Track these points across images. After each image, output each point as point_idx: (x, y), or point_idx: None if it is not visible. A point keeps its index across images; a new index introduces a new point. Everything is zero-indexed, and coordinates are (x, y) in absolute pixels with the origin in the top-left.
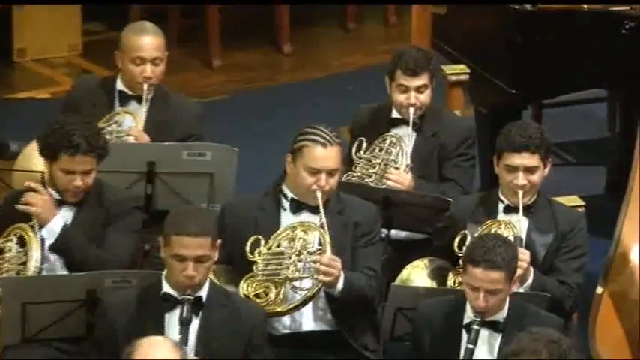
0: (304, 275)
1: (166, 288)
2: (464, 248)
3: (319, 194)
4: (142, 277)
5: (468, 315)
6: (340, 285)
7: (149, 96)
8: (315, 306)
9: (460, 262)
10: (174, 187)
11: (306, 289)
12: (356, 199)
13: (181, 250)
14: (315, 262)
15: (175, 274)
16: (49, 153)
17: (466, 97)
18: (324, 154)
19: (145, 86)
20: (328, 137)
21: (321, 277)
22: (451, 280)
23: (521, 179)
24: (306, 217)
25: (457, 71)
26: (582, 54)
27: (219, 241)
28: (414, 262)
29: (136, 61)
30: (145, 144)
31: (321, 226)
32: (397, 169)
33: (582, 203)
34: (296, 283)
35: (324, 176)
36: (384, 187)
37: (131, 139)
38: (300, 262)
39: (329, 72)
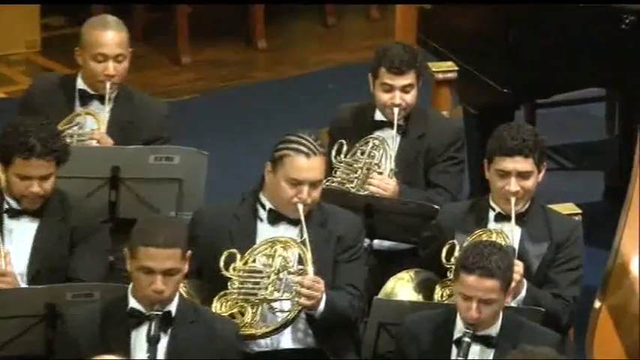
0: (283, 297)
1: (133, 303)
2: (452, 259)
3: (300, 207)
4: (105, 290)
5: (459, 329)
6: (321, 307)
7: (112, 95)
8: (294, 325)
9: (448, 273)
10: (140, 193)
11: (286, 311)
12: (339, 209)
13: (149, 263)
14: (296, 283)
15: (143, 288)
16: (3, 157)
17: (454, 96)
18: (307, 165)
19: (108, 85)
20: (312, 146)
21: (303, 300)
22: (438, 293)
23: (513, 185)
24: (284, 228)
25: (444, 69)
26: (579, 50)
27: (189, 252)
28: (399, 275)
29: (97, 58)
30: (109, 147)
31: (303, 242)
32: (380, 173)
33: (579, 211)
34: (274, 304)
35: (306, 188)
36: (366, 193)
37: (93, 143)
38: (279, 282)
39: (307, 70)
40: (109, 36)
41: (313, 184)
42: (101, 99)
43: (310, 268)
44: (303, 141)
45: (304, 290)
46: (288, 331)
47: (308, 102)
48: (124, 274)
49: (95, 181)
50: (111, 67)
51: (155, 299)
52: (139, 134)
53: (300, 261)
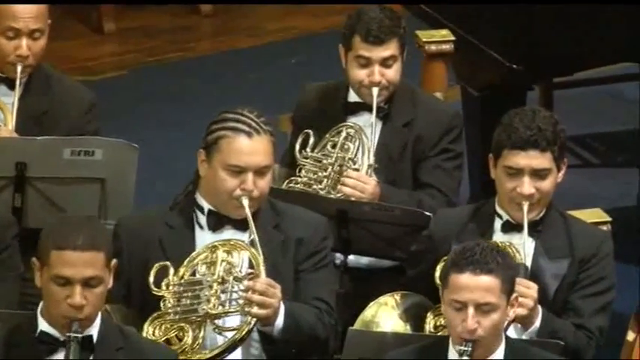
0: (231, 310)
1: (43, 326)
2: None
3: (246, 201)
4: (6, 318)
5: None
6: (280, 321)
7: (23, 80)
8: (246, 343)
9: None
10: (52, 197)
11: (234, 329)
12: (296, 208)
13: (64, 270)
14: (245, 290)
15: (57, 302)
16: None
17: (450, 73)
18: (249, 147)
19: (19, 67)
20: (254, 124)
21: (255, 309)
22: (430, 323)
23: (527, 186)
24: (230, 234)
25: (438, 39)
26: (608, 16)
27: (114, 261)
28: (381, 299)
29: (7, 33)
30: (12, 138)
31: (251, 243)
32: (357, 170)
33: (608, 219)
34: (219, 322)
35: (250, 177)
36: (338, 196)
37: None
38: (224, 294)
39: (263, 40)
40: (24, 5)
41: (259, 172)
42: (10, 84)
43: (262, 272)
44: (243, 118)
45: (256, 296)
46: (238, 351)
47: (264, 81)
48: (30, 299)
49: None
50: (24, 45)
51: (72, 316)
52: (56, 128)
53: (250, 265)
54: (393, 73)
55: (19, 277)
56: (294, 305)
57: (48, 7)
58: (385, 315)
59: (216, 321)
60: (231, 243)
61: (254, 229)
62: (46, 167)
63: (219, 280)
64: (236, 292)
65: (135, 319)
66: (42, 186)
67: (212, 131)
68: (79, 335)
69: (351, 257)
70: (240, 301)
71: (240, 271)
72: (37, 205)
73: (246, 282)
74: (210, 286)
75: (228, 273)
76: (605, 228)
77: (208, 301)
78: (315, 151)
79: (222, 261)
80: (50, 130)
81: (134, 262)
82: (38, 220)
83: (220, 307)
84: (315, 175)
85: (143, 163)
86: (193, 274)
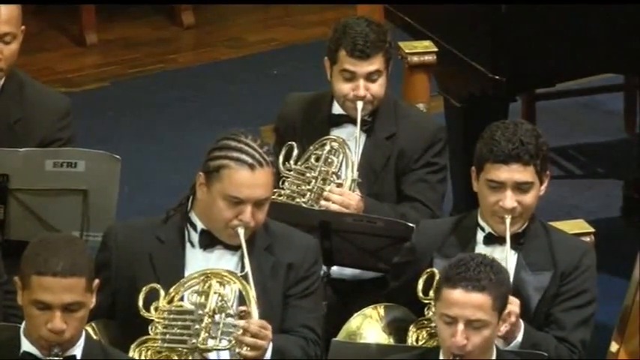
0: (220, 347)
1: (26, 346)
2: (430, 292)
3: (241, 231)
4: None
5: None
6: (267, 357)
7: None
8: None
9: (425, 310)
10: (34, 208)
11: None
12: (289, 230)
13: (44, 296)
14: (236, 328)
15: (37, 326)
16: None
17: (433, 85)
18: (251, 180)
19: None
20: (258, 156)
21: (245, 350)
22: (412, 336)
23: (509, 200)
24: (220, 254)
25: (420, 50)
26: (591, 27)
27: (96, 281)
28: (366, 311)
29: None
30: None
31: (244, 276)
32: (340, 185)
33: (591, 229)
34: (208, 354)
35: (249, 209)
36: (321, 209)
37: None
38: (214, 327)
39: (245, 51)
40: None
41: (258, 204)
42: None
43: (254, 310)
44: (247, 148)
45: (248, 339)
46: None
47: (246, 92)
48: (15, 313)
49: None
50: None
51: (53, 341)
52: (29, 135)
53: (241, 298)
54: (378, 87)
55: (2, 286)
56: (282, 340)
57: (20, 12)
58: (369, 327)
59: (204, 354)
60: (224, 275)
61: (248, 261)
62: (28, 179)
63: (211, 313)
64: (227, 328)
65: (115, 330)
66: (24, 198)
67: (214, 158)
68: (61, 358)
69: (334, 268)
70: (230, 338)
71: (232, 306)
72: (20, 216)
73: (238, 321)
74: (201, 319)
75: (221, 308)
76: (588, 239)
77: (198, 335)
78: (299, 163)
79: (215, 293)
80: (24, 137)
81: (122, 275)
82: (21, 231)
83: (210, 342)
84: (298, 188)
85: (123, 176)
86: (182, 298)
